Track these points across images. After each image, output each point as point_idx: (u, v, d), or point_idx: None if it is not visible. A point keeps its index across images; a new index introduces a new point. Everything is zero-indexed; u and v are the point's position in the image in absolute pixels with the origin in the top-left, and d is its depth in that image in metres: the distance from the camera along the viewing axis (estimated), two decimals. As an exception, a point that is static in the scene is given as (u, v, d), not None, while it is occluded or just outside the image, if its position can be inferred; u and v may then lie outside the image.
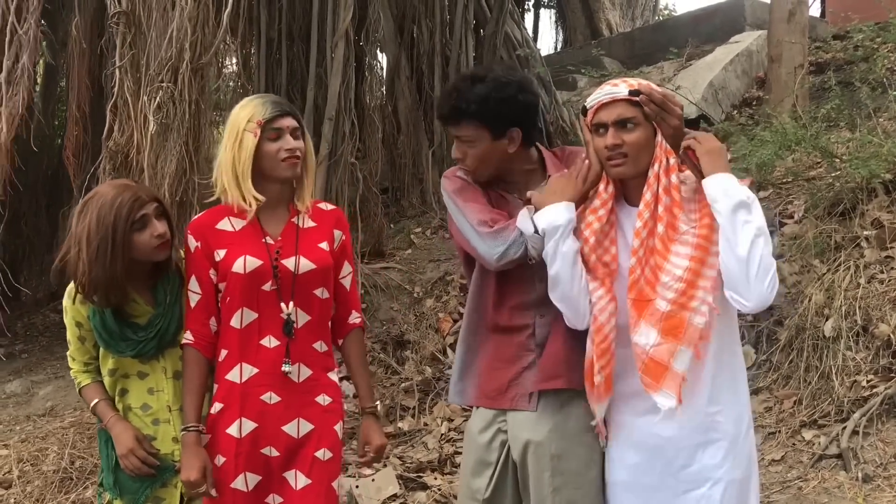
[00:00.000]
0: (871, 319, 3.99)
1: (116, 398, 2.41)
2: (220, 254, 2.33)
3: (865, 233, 4.41)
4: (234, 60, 10.27)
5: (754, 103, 8.84)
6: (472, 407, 2.47)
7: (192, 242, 2.36)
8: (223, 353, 2.35)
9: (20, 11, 4.81)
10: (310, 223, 2.43)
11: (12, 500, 4.26)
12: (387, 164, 8.60)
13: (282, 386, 2.32)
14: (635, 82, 2.03)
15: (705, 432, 2.01)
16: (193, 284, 2.35)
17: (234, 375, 2.32)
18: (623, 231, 2.12)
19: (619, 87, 2.03)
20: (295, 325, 2.34)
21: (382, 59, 9.74)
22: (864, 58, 5.44)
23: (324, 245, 2.42)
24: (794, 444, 3.84)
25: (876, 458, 3.52)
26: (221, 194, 2.35)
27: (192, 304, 2.35)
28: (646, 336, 2.00)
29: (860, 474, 3.46)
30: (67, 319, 2.43)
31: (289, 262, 2.33)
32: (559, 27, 17.28)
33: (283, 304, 2.32)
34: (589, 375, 2.13)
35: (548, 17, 17.67)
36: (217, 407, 2.33)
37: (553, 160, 2.37)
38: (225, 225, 2.37)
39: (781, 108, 6.43)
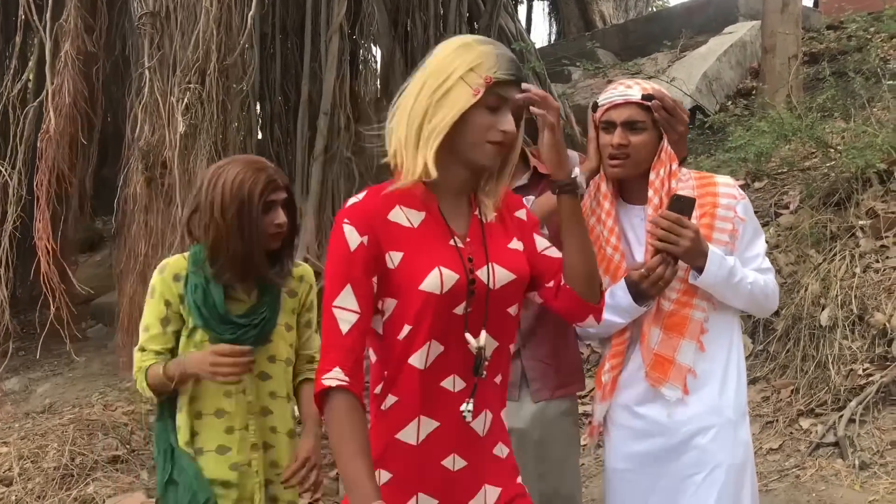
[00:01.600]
0: (866, 308, 4.02)
1: (185, 404, 2.20)
2: (395, 259, 1.59)
3: (861, 222, 4.43)
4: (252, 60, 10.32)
5: (749, 94, 8.87)
6: None
7: (354, 237, 1.57)
8: (390, 399, 1.62)
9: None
10: (491, 215, 1.73)
11: (13, 497, 4.27)
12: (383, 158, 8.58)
13: (467, 444, 1.65)
14: (649, 86, 2.06)
15: (707, 418, 2.03)
16: (347, 299, 1.55)
17: (409, 434, 1.61)
18: (624, 229, 2.14)
19: (632, 90, 2.06)
20: (486, 360, 1.64)
21: (377, 52, 9.76)
22: (857, 48, 5.46)
23: (516, 245, 1.73)
24: (791, 432, 3.87)
25: (872, 445, 3.55)
26: (392, 159, 1.63)
27: (344, 329, 1.54)
28: (651, 335, 2.05)
29: (857, 462, 3.49)
30: (153, 300, 2.23)
31: (482, 274, 1.63)
32: (553, 19, 17.27)
33: (469, 334, 1.61)
34: (598, 374, 2.18)
35: (541, 9, 17.57)
36: (385, 477, 1.62)
37: (535, 155, 2.37)
38: (398, 217, 1.63)
39: (776, 98, 6.45)
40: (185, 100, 3.88)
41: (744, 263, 2.07)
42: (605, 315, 1.91)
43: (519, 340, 2.25)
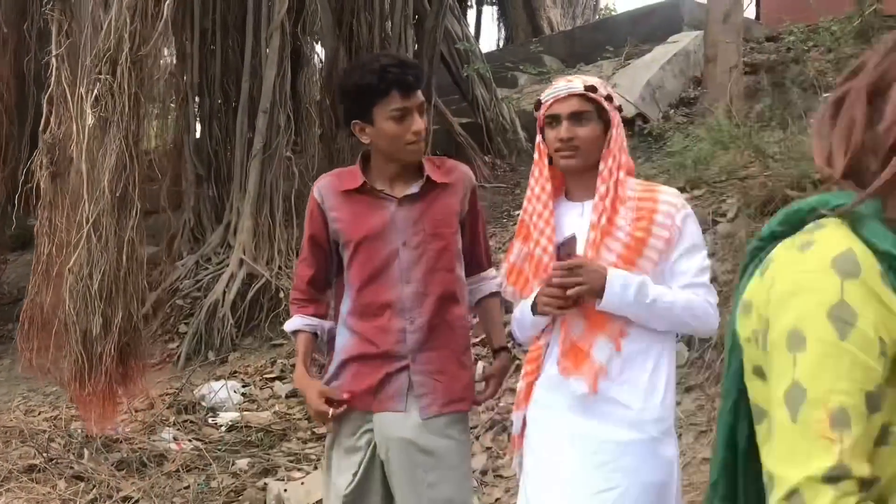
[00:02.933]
0: (800, 318, 4.02)
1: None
2: None
3: (796, 232, 4.45)
4: (167, 51, 10.01)
5: (692, 103, 8.94)
6: None
7: None
8: None
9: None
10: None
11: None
12: (325, 159, 8.46)
13: None
14: (590, 80, 2.08)
15: (628, 430, 1.97)
16: None
17: None
18: (560, 227, 2.12)
19: (574, 83, 2.07)
20: None
21: (321, 51, 9.60)
22: (794, 59, 5.52)
23: None
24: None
25: (803, 455, 3.54)
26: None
27: None
28: (574, 325, 2.01)
29: (788, 472, 3.48)
30: (844, 345, 0.92)
31: None
32: (501, 24, 17.33)
33: None
34: None
35: (490, 14, 17.63)
36: None
37: (430, 164, 2.34)
38: None
39: (717, 107, 6.50)
40: (95, 91, 3.69)
41: (673, 276, 2.02)
42: (515, 329, 2.03)
43: (408, 354, 2.22)
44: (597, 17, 16.25)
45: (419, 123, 2.20)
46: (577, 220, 2.09)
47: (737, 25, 7.47)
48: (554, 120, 2.07)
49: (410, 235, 2.26)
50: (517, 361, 3.89)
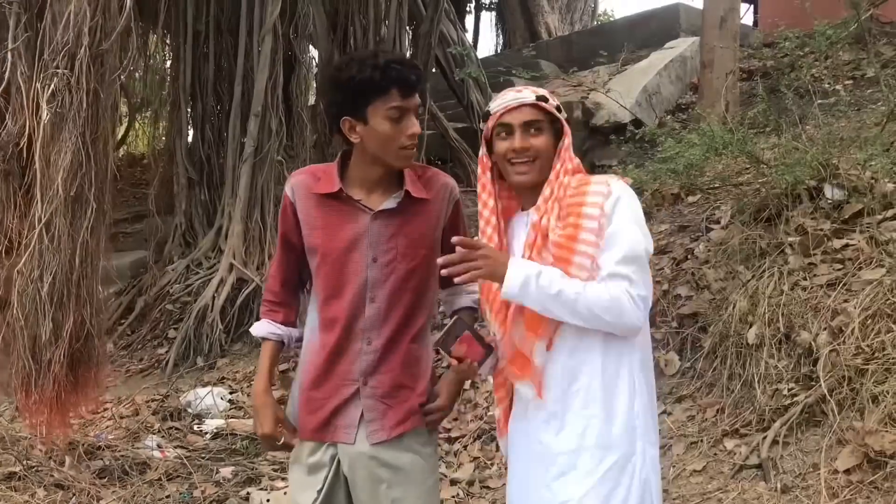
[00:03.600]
0: (793, 327, 3.95)
1: None
2: None
3: (790, 239, 4.37)
4: (161, 52, 9.96)
5: (688, 109, 8.88)
6: None
7: None
8: None
9: None
10: None
11: None
12: (317, 164, 8.37)
13: None
14: (540, 91, 2.02)
15: (580, 438, 1.91)
16: None
17: None
18: (512, 242, 2.09)
19: (524, 93, 2.01)
20: None
21: (315, 55, 9.54)
22: (790, 65, 5.46)
23: None
24: (715, 453, 3.77)
25: (795, 468, 3.47)
26: None
27: None
28: (515, 330, 1.98)
29: (779, 485, 3.40)
30: None
31: None
32: (499, 30, 17.27)
33: None
34: None
35: (489, 19, 17.60)
36: None
37: (411, 175, 2.21)
38: None
39: (712, 113, 6.43)
40: (52, 86, 3.58)
41: (603, 266, 1.90)
42: None
43: (360, 376, 2.14)
44: (595, 22, 16.18)
45: (416, 127, 2.07)
46: (524, 230, 2.04)
47: (733, 31, 7.41)
48: (505, 129, 2.00)
49: (382, 252, 2.14)
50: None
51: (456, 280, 1.88)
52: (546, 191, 1.98)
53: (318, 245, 2.16)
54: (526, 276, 1.85)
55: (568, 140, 2.01)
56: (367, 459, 2.11)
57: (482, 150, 2.08)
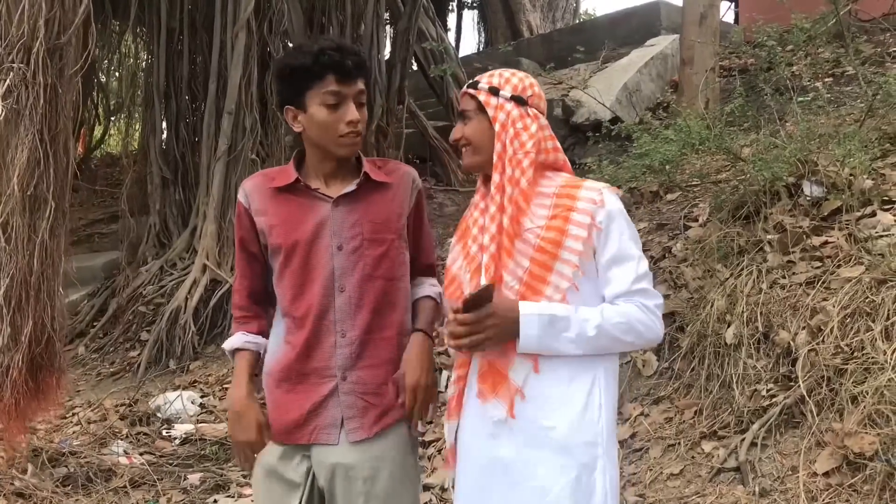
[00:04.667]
0: (772, 326, 3.87)
1: None
2: None
3: (768, 237, 4.30)
4: (134, 50, 9.81)
5: (668, 106, 8.82)
6: None
7: None
8: None
9: None
10: None
11: None
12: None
13: None
14: (487, 75, 1.96)
15: (552, 454, 1.80)
16: None
17: None
18: None
19: (479, 81, 1.96)
20: None
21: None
22: (768, 61, 5.39)
23: None
24: (693, 456, 3.69)
25: (773, 471, 3.38)
26: None
27: None
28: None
29: (757, 488, 3.32)
30: None
31: None
32: (481, 28, 17.21)
33: None
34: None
35: (471, 17, 17.51)
36: None
37: (371, 164, 2.15)
38: None
39: (692, 110, 6.36)
40: (7, 81, 3.45)
41: (606, 284, 1.83)
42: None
43: (337, 371, 2.02)
44: (577, 20, 16.12)
45: (354, 114, 2.01)
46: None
47: (713, 28, 7.36)
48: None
49: (347, 239, 2.06)
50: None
51: (467, 348, 1.81)
52: (496, 177, 1.87)
53: (280, 242, 2.08)
54: (541, 329, 1.76)
55: (505, 127, 1.88)
56: (343, 471, 2.00)
57: None
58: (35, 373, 3.80)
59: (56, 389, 4.01)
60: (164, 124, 8.57)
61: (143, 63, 8.96)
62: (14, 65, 3.49)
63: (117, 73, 10.22)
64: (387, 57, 9.25)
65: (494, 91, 1.90)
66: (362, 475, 1.99)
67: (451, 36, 14.34)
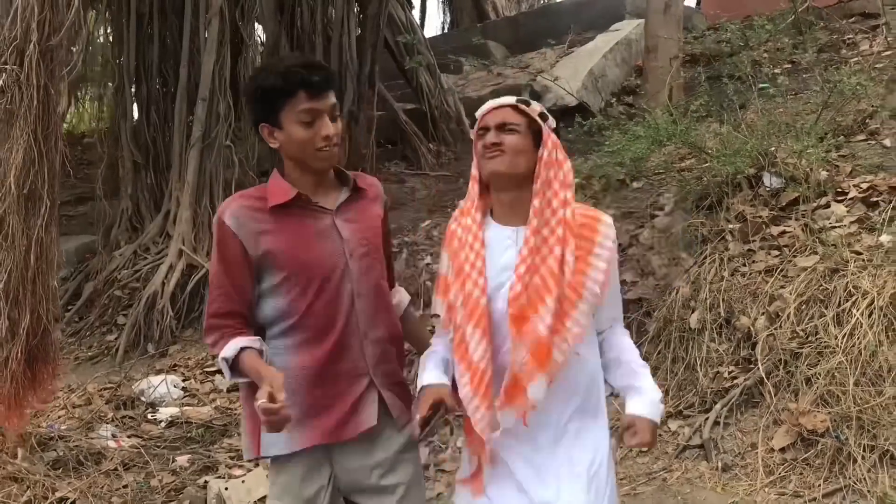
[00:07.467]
0: (733, 312, 4.13)
1: None
2: None
3: (730, 226, 4.56)
4: (104, 32, 9.72)
5: (633, 92, 9.04)
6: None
7: None
8: None
9: None
10: None
11: None
12: (265, 149, 8.33)
13: None
14: (526, 99, 2.08)
15: (558, 467, 2.00)
16: None
17: None
18: (490, 247, 2.04)
19: (506, 98, 2.08)
20: None
21: (262, 37, 9.44)
22: (730, 54, 5.62)
23: None
24: (660, 434, 3.94)
25: (734, 447, 3.66)
26: None
27: None
28: (518, 356, 1.94)
29: (720, 464, 3.59)
30: None
31: None
32: (446, 9, 17.23)
33: None
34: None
35: (435, -4, 17.51)
36: None
37: (352, 174, 2.25)
38: None
39: (657, 100, 6.57)
40: (1, 82, 3.52)
41: (603, 322, 2.11)
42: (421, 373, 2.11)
43: (368, 370, 2.17)
44: (542, 2, 16.27)
45: (329, 127, 2.06)
46: (508, 246, 2.03)
47: (677, 17, 7.53)
48: (484, 130, 2.05)
49: (355, 246, 2.15)
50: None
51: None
52: (534, 221, 1.98)
53: (290, 263, 2.10)
54: (661, 411, 2.11)
55: (549, 152, 2.00)
56: (367, 487, 2.16)
57: (473, 166, 2.10)
58: (32, 363, 3.92)
59: (52, 379, 4.13)
60: (136, 108, 8.56)
61: (112, 46, 8.86)
62: (7, 66, 3.56)
63: (82, 54, 10.11)
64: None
65: (543, 116, 2.04)
66: (386, 486, 2.16)
67: (416, 14, 14.37)
